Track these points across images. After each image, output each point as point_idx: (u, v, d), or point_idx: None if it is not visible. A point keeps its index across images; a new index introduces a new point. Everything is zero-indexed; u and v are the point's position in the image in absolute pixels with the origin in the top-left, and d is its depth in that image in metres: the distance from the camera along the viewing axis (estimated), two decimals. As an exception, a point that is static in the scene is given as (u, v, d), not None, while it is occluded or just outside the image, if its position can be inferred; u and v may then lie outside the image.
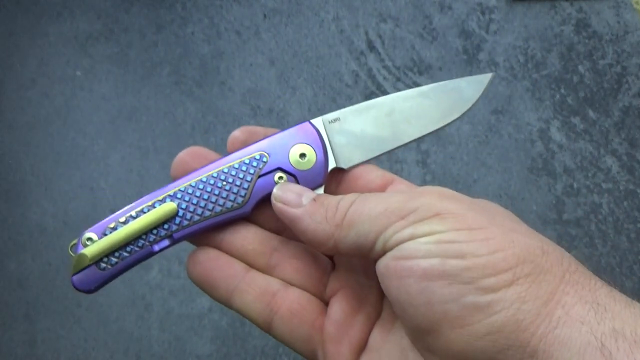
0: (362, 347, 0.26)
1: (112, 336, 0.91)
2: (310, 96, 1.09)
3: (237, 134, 0.31)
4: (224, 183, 0.27)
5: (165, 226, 0.26)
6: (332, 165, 0.29)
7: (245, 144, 0.30)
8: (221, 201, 0.27)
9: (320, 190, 0.28)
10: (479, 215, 0.21)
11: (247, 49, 1.13)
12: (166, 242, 0.27)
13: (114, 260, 0.27)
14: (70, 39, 1.13)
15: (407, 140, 0.29)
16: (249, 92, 1.09)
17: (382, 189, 0.28)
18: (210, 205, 0.27)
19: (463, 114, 0.30)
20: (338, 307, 0.26)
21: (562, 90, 1.11)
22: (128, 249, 0.26)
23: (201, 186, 0.27)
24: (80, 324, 0.91)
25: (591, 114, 1.09)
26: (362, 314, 0.26)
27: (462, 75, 1.18)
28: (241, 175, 0.27)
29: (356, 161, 0.29)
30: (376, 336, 0.26)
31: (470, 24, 1.16)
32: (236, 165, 0.27)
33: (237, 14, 1.16)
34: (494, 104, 1.09)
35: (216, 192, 0.27)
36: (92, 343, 0.90)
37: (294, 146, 0.28)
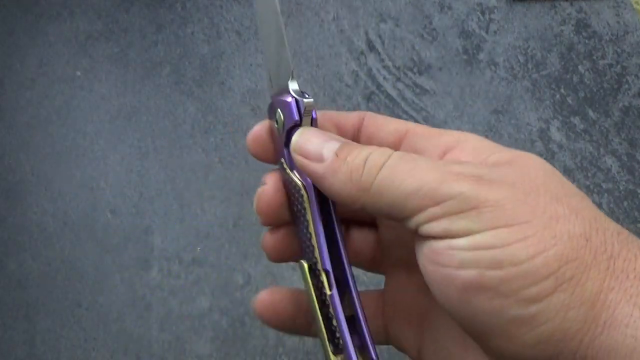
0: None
1: (112, 336, 0.91)
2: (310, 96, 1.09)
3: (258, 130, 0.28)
4: None
5: None
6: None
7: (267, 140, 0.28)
8: None
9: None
10: (519, 204, 0.20)
11: (247, 49, 1.13)
12: None
13: None
14: (70, 39, 1.13)
15: None
16: (249, 92, 1.09)
17: (394, 145, 0.26)
18: None
19: None
20: None
21: (562, 90, 1.11)
22: None
23: None
24: (80, 324, 0.91)
25: (591, 114, 1.09)
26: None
27: (462, 75, 1.19)
28: None
29: None
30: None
31: (470, 24, 1.16)
32: None
33: (237, 14, 1.16)
34: (494, 104, 1.09)
35: None
36: (92, 343, 0.90)
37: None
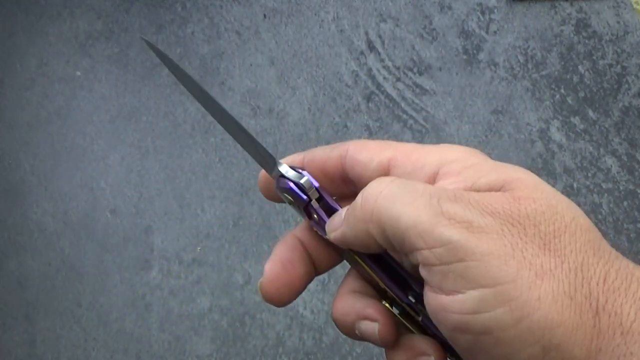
0: None
1: (112, 336, 0.91)
2: (310, 96, 1.09)
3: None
4: None
5: None
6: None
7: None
8: None
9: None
10: (506, 260, 0.20)
11: (247, 49, 1.13)
12: None
13: None
14: (70, 39, 1.13)
15: None
16: (249, 92, 1.09)
17: (385, 171, 0.26)
18: None
19: None
20: None
21: (562, 90, 1.11)
22: None
23: None
24: (80, 324, 0.91)
25: (591, 114, 1.09)
26: None
27: (462, 75, 1.19)
28: None
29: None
30: None
31: (470, 24, 1.16)
32: None
33: (237, 14, 1.16)
34: (494, 104, 1.09)
35: None
36: (92, 343, 0.90)
37: None
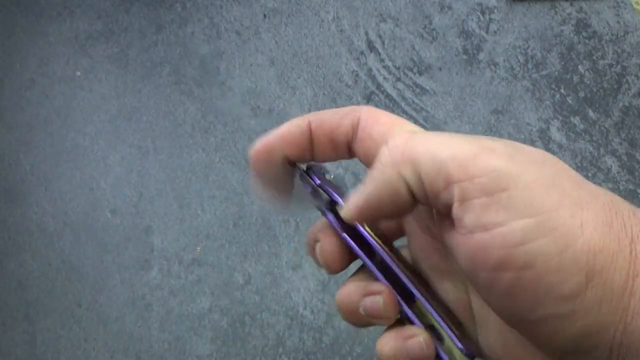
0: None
1: (112, 336, 0.91)
2: (310, 96, 1.09)
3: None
4: None
5: None
6: None
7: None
8: None
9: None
10: (548, 189, 0.20)
11: (247, 49, 1.13)
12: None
13: None
14: (70, 39, 1.13)
15: None
16: (249, 92, 1.09)
17: None
18: None
19: None
20: None
21: (562, 90, 1.11)
22: None
23: None
24: (80, 324, 0.91)
25: (591, 114, 1.09)
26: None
27: (462, 75, 1.19)
28: None
29: None
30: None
31: (470, 24, 1.16)
32: None
33: (237, 14, 1.16)
34: (494, 104, 1.09)
35: None
36: (92, 343, 0.90)
37: None
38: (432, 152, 0.21)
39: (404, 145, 0.22)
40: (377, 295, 0.25)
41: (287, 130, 0.28)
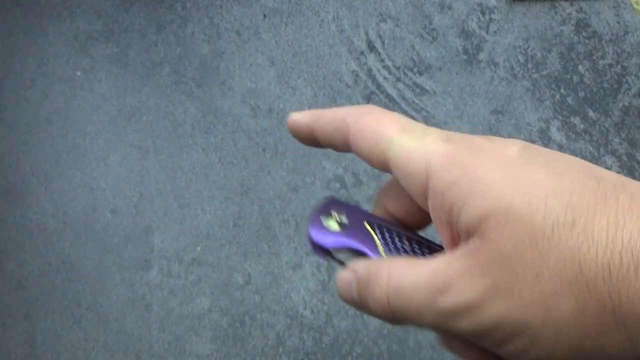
0: None
1: (112, 336, 0.91)
2: (310, 96, 1.09)
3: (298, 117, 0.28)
4: None
5: None
6: None
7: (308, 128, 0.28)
8: None
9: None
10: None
11: (247, 49, 1.13)
12: None
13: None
14: (70, 39, 1.13)
15: None
16: (249, 92, 1.09)
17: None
18: None
19: None
20: None
21: (562, 90, 1.11)
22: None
23: None
24: (80, 324, 0.91)
25: (591, 114, 1.09)
26: None
27: (462, 75, 1.19)
28: None
29: None
30: None
31: (470, 24, 1.16)
32: None
33: (237, 14, 1.16)
34: (494, 104, 1.09)
35: None
36: (92, 343, 0.90)
37: None
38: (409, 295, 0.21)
39: (386, 285, 0.22)
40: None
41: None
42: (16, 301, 0.93)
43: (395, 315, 0.22)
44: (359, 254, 0.24)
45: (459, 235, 0.21)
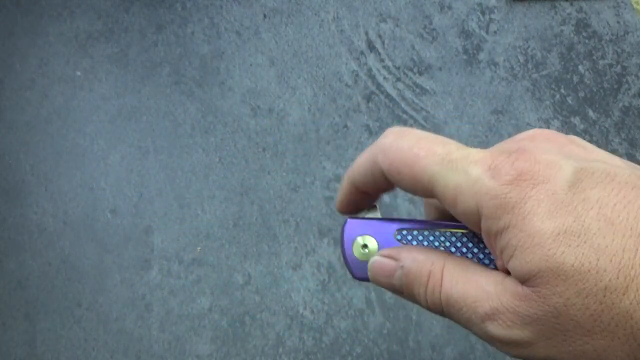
0: None
1: (112, 336, 0.91)
2: (310, 96, 1.09)
3: None
4: None
5: None
6: None
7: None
8: None
9: None
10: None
11: (247, 49, 1.13)
12: None
13: None
14: (70, 39, 1.13)
15: None
16: (249, 92, 1.09)
17: None
18: None
19: None
20: None
21: (562, 90, 1.11)
22: None
23: None
24: (80, 324, 0.91)
25: (591, 114, 1.09)
26: None
27: (462, 75, 1.19)
28: None
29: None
30: None
31: (470, 24, 1.16)
32: None
33: (237, 14, 1.16)
34: (494, 104, 1.09)
35: None
36: (92, 343, 0.90)
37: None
38: (462, 295, 0.21)
39: (439, 292, 0.22)
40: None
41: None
42: (16, 301, 0.93)
43: (445, 315, 0.22)
44: None
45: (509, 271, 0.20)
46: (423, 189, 0.22)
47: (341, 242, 0.25)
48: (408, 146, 0.23)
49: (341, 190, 0.27)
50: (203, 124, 1.06)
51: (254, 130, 1.04)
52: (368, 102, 1.08)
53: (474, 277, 0.21)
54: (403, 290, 0.24)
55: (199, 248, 0.96)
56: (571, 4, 1.18)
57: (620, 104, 1.10)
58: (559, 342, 0.19)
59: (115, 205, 0.98)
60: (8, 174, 1.02)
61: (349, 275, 1.00)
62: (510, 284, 0.20)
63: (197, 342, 0.90)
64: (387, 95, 1.09)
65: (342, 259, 0.26)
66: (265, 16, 1.16)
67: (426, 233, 0.25)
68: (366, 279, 0.25)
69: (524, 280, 0.19)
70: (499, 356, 0.89)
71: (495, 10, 1.17)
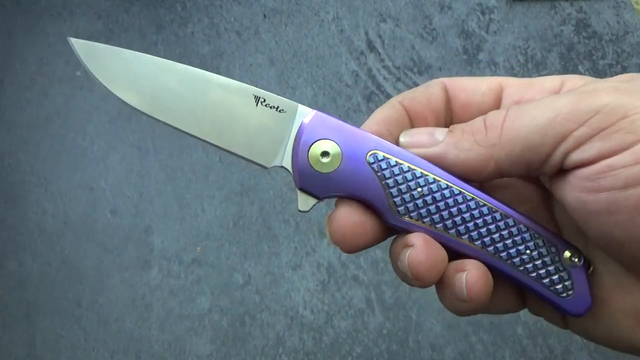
0: None
1: (112, 336, 0.91)
2: (310, 96, 1.09)
3: None
4: None
5: None
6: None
7: None
8: None
9: None
10: None
11: (247, 49, 1.13)
12: None
13: None
14: (70, 39, 1.13)
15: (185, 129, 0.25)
16: (249, 92, 1.09)
17: (495, 104, 0.24)
18: None
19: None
20: None
21: (562, 90, 1.11)
22: None
23: None
24: (80, 324, 0.91)
25: (591, 114, 1.09)
26: None
27: (462, 75, 1.17)
28: None
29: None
30: None
31: (470, 24, 1.16)
32: None
33: (237, 14, 1.16)
34: (494, 104, 1.09)
35: None
36: (92, 343, 0.90)
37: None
38: (530, 124, 0.20)
39: (501, 125, 0.21)
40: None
41: (383, 114, 0.27)
42: (16, 301, 0.93)
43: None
44: None
45: None
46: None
47: (295, 140, 0.22)
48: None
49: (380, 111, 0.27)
50: (203, 124, 1.06)
51: (254, 130, 1.04)
52: (368, 102, 1.08)
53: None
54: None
55: (199, 248, 0.96)
56: (571, 4, 1.18)
57: (620, 104, 1.10)
58: None
59: (115, 205, 0.98)
60: (8, 174, 1.02)
61: (349, 275, 1.00)
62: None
63: (197, 342, 0.90)
64: (388, 95, 1.09)
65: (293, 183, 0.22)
66: (265, 16, 1.16)
67: (405, 168, 0.23)
68: (313, 195, 0.22)
69: None
70: (499, 356, 0.89)
71: (495, 10, 1.17)
